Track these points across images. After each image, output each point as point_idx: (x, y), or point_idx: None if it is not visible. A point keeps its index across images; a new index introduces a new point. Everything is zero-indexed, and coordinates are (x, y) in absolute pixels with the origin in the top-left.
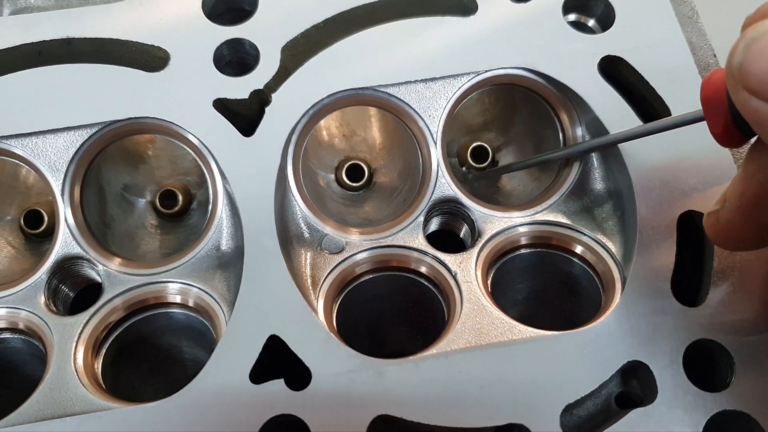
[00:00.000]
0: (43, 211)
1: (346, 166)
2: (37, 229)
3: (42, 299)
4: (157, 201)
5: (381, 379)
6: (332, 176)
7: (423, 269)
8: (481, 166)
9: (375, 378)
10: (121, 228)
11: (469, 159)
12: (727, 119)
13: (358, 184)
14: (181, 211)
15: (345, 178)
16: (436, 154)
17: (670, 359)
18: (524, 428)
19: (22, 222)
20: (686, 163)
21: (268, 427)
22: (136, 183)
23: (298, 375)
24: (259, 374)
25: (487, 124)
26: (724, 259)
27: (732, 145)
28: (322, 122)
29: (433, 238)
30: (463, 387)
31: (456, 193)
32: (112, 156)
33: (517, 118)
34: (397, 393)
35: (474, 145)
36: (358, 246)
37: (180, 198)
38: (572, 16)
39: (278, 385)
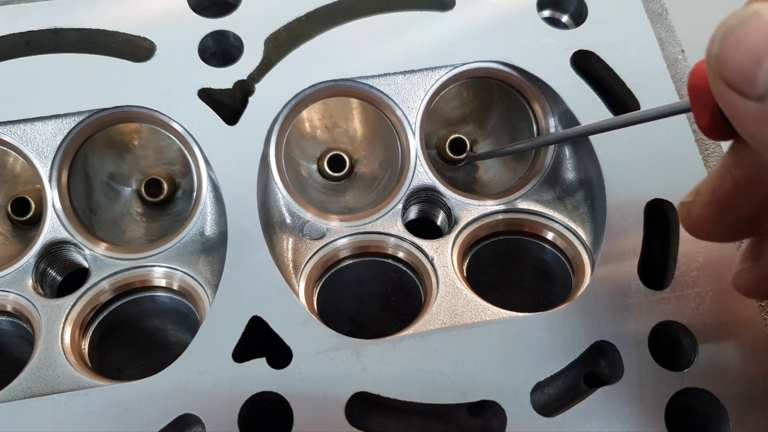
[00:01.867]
0: (30, 199)
1: (327, 156)
2: (24, 216)
3: (30, 282)
4: (143, 189)
5: (359, 358)
6: (314, 166)
7: (401, 254)
8: (459, 157)
9: (354, 357)
10: (107, 215)
11: (448, 151)
12: (713, 111)
13: (339, 174)
14: (166, 199)
15: (327, 168)
16: (414, 144)
17: (636, 340)
18: (496, 405)
19: (9, 209)
20: (654, 153)
21: (250, 403)
22: (122, 172)
23: (279, 354)
24: (242, 353)
25: (465, 117)
26: (689, 245)
27: (719, 138)
28: (305, 114)
29: (411, 226)
30: (438, 365)
31: (434, 181)
32: (98, 145)
33: (493, 112)
34: (374, 371)
35: (452, 137)
36: (339, 232)
37: (165, 187)
38: (546, 12)
39: (260, 363)
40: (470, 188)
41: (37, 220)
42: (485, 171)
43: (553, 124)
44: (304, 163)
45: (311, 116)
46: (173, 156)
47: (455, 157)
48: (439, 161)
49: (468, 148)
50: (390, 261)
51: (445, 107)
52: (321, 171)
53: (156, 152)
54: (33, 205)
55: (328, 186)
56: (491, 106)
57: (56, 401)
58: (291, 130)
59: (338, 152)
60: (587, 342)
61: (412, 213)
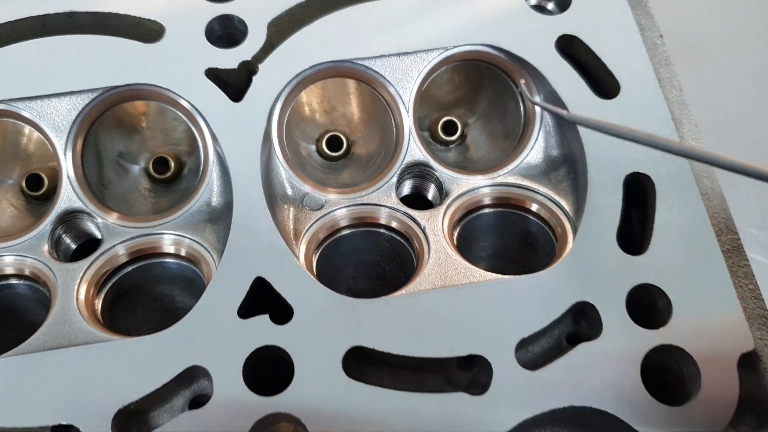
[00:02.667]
0: (43, 175)
1: (326, 137)
2: (37, 192)
3: (46, 248)
4: (151, 167)
5: (356, 315)
6: (313, 147)
7: (395, 224)
8: (451, 138)
9: (350, 314)
10: (117, 190)
11: (440, 132)
12: None
13: (337, 154)
14: (173, 177)
15: (325, 148)
16: (408, 122)
17: (614, 301)
18: (484, 360)
19: (23, 185)
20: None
21: (254, 356)
22: (131, 151)
23: (281, 312)
24: (247, 311)
25: (456, 101)
26: (665, 214)
27: None
28: (304, 98)
29: (405, 201)
30: (429, 322)
31: (426, 157)
32: (108, 125)
33: (483, 96)
34: (369, 327)
35: (444, 119)
36: (336, 203)
37: (172, 165)
38: (533, 0)
39: (263, 320)
40: (461, 166)
41: (50, 195)
42: (475, 151)
43: (540, 99)
44: (304, 144)
45: (310, 100)
46: (179, 137)
47: (447, 138)
48: (432, 142)
49: (459, 131)
50: (384, 231)
51: (437, 92)
52: (320, 151)
53: (163, 133)
54: (46, 182)
55: (326, 165)
56: (481, 90)
57: (72, 353)
58: (291, 112)
59: (336, 133)
60: (569, 302)
61: (406, 188)
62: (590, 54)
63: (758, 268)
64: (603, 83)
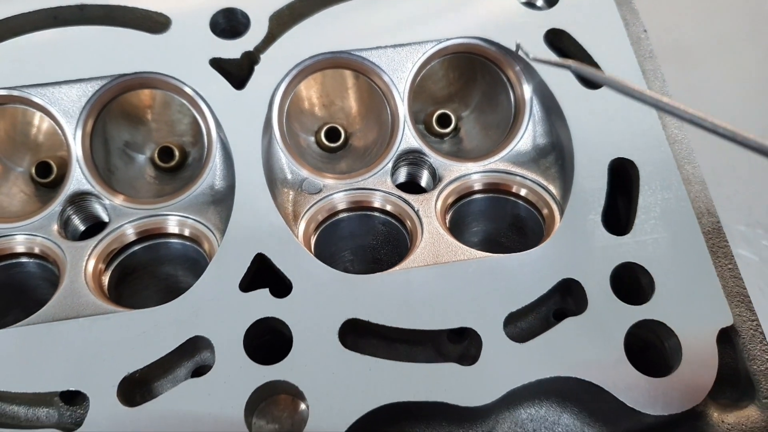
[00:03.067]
0: (52, 163)
1: (325, 128)
2: (46, 179)
3: (55, 227)
4: (156, 157)
5: (352, 289)
6: (312, 138)
7: (389, 207)
8: (446, 131)
9: (346, 288)
10: (123, 176)
11: (435, 125)
12: None
13: (335, 145)
14: (177, 166)
15: (324, 139)
16: (403, 110)
17: (599, 278)
18: (474, 333)
19: (33, 172)
20: (618, 118)
21: (254, 327)
22: (136, 141)
23: (280, 286)
24: (248, 285)
25: (450, 95)
26: (648, 197)
27: None
28: (304, 92)
29: (400, 188)
30: (421, 297)
31: (420, 144)
32: (115, 115)
33: (476, 90)
34: (365, 301)
35: (438, 112)
36: (334, 188)
37: (176, 154)
38: None
39: (264, 293)
40: (454, 155)
41: (58, 182)
42: (468, 141)
43: (528, 91)
44: (303, 135)
45: (310, 94)
46: (184, 128)
47: (442, 130)
48: (427, 135)
49: (453, 124)
50: (379, 214)
51: (433, 87)
52: (318, 142)
53: (167, 125)
54: (55, 169)
55: (325, 156)
56: (474, 85)
57: (81, 324)
58: (291, 105)
59: (335, 125)
60: (555, 279)
61: (401, 175)
62: (577, 47)
63: (747, 264)
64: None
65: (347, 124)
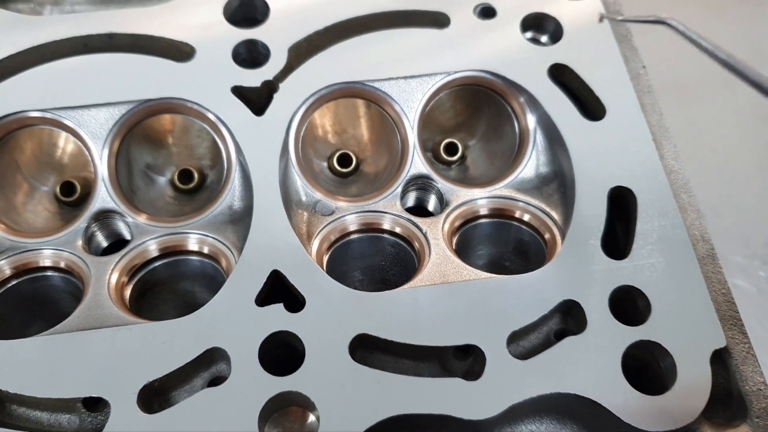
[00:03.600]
0: (76, 183)
1: (337, 154)
2: (70, 198)
3: (80, 243)
4: (176, 179)
5: (362, 306)
6: (325, 164)
7: (398, 229)
8: (453, 158)
9: (357, 305)
10: (145, 197)
11: (442, 152)
12: None
13: (347, 170)
14: (196, 188)
15: (336, 165)
16: (412, 138)
17: (598, 299)
18: (478, 350)
19: (57, 191)
20: (617, 148)
21: (269, 340)
22: (158, 164)
23: (295, 302)
24: (263, 300)
25: (458, 126)
26: (646, 224)
27: None
28: (318, 120)
29: (409, 212)
30: (428, 315)
31: (428, 171)
32: (138, 139)
33: (482, 121)
34: (375, 317)
35: (446, 141)
36: (346, 210)
37: (195, 177)
38: (529, 34)
39: (278, 308)
40: (461, 182)
41: (80, 202)
42: (474, 169)
43: (532, 122)
44: (317, 161)
45: (323, 122)
46: (203, 152)
47: (449, 158)
48: (435, 162)
49: (460, 152)
50: (389, 236)
51: (441, 117)
52: (331, 168)
53: (188, 149)
54: (78, 189)
55: (337, 181)
56: (480, 116)
57: (104, 334)
58: (306, 132)
59: (346, 151)
60: (556, 300)
61: (410, 200)
62: (579, 81)
63: (743, 294)
64: (590, 107)
65: (358, 151)
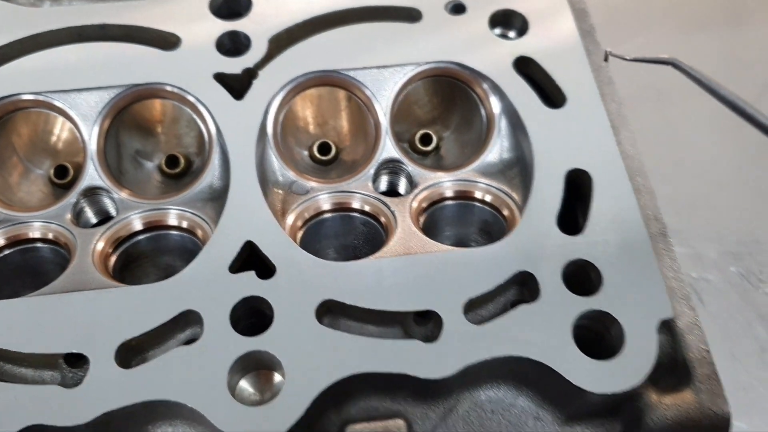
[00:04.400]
0: (69, 166)
1: (317, 143)
2: (63, 180)
3: (69, 216)
4: (163, 164)
5: (330, 274)
6: (306, 152)
7: (368, 208)
8: (427, 149)
9: (325, 273)
10: (132, 179)
11: (417, 143)
12: None
13: (326, 158)
14: (182, 173)
15: (316, 153)
16: (385, 123)
17: (552, 271)
18: (436, 314)
19: (51, 174)
20: (575, 132)
21: (240, 304)
22: (146, 150)
23: (265, 270)
24: (236, 267)
25: (434, 119)
26: (600, 203)
27: None
28: (300, 111)
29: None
30: (391, 283)
31: (399, 155)
32: (128, 125)
33: (456, 113)
34: (341, 285)
35: (421, 132)
36: (320, 190)
37: (182, 162)
38: (498, 30)
39: (250, 275)
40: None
41: (72, 184)
42: (447, 158)
43: (497, 107)
44: (298, 149)
45: (305, 114)
46: (190, 141)
47: (424, 148)
48: (410, 152)
49: (434, 143)
50: (359, 214)
51: (418, 111)
52: (311, 156)
53: (176, 138)
54: (71, 172)
55: (317, 168)
56: (454, 108)
57: (86, 296)
58: (288, 122)
59: (326, 141)
60: (512, 271)
61: (382, 184)
62: (542, 72)
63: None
64: (552, 96)
65: (338, 141)
